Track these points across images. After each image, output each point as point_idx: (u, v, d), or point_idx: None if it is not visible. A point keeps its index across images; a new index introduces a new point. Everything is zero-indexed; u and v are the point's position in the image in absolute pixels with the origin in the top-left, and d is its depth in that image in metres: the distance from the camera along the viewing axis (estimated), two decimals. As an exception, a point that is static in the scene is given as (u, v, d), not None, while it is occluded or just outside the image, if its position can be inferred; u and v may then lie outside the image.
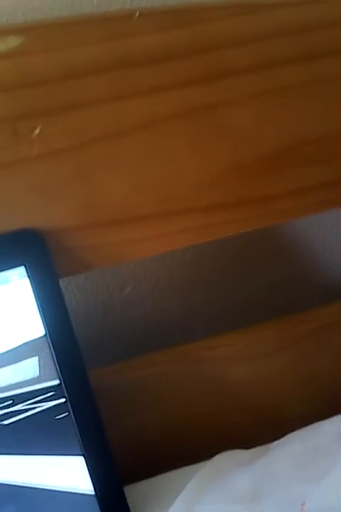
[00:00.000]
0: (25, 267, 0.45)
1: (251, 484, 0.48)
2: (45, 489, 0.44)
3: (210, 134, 0.48)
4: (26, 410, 0.44)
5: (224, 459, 0.51)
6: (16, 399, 0.44)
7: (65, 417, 0.45)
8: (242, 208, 0.50)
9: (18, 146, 0.45)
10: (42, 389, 0.45)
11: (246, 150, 0.49)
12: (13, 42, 0.43)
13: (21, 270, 0.45)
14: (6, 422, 0.44)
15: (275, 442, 0.51)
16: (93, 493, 0.44)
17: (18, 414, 0.44)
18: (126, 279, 0.61)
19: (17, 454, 0.44)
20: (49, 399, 0.45)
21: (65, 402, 0.45)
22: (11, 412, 0.44)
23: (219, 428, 0.55)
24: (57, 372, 0.45)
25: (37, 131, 0.45)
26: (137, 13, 0.44)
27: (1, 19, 0.47)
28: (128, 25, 0.45)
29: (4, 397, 0.44)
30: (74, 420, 0.44)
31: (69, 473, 0.44)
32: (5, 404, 0.44)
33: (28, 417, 0.44)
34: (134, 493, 0.46)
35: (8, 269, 0.45)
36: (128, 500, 0.45)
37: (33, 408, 0.44)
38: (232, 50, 0.48)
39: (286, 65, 0.49)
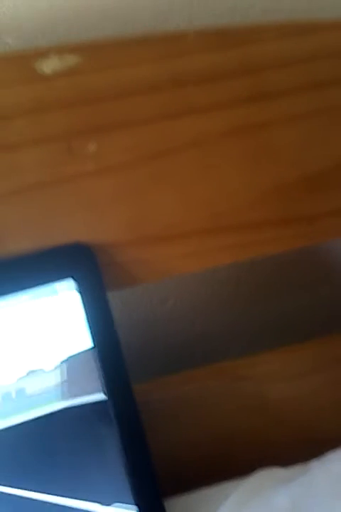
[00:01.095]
0: (74, 279, 0.46)
1: (291, 502, 0.47)
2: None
3: (257, 152, 0.49)
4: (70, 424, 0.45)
5: (264, 476, 0.51)
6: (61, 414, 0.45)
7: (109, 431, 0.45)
8: (287, 227, 0.51)
9: (72, 163, 0.46)
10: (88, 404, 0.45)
11: (291, 169, 0.50)
12: (70, 60, 0.44)
13: (70, 283, 0.46)
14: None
15: (315, 461, 0.51)
16: (135, 506, 0.44)
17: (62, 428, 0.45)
18: (168, 292, 0.61)
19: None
20: (94, 412, 0.45)
21: (109, 416, 0.45)
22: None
23: (259, 445, 0.55)
24: (102, 386, 0.45)
25: (91, 148, 0.46)
26: (192, 34, 0.45)
27: (57, 37, 0.49)
28: (180, 46, 0.46)
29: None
30: (119, 434, 0.45)
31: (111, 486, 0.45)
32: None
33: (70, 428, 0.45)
34: (173, 507, 0.46)
35: (57, 280, 0.46)
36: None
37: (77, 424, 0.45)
38: (281, 71, 0.48)
39: (333, 87, 0.50)
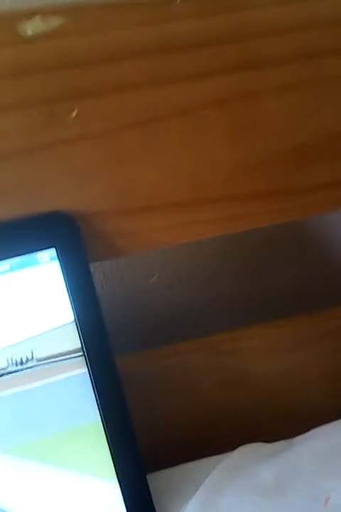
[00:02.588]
0: (56, 249, 0.45)
1: (274, 478, 0.48)
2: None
3: (246, 123, 0.48)
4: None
5: (247, 451, 0.51)
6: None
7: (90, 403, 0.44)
8: (275, 199, 0.50)
9: (54, 128, 0.45)
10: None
11: (281, 141, 0.49)
12: (53, 22, 0.43)
13: (52, 252, 0.45)
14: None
15: (299, 437, 0.51)
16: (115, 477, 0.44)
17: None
18: (152, 267, 0.61)
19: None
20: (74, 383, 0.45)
21: (90, 388, 0.44)
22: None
23: (243, 421, 0.55)
24: (85, 359, 0.45)
25: (74, 113, 0.45)
26: (179, -1, 0.44)
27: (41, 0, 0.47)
28: (168, 10, 0.45)
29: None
30: (100, 407, 0.44)
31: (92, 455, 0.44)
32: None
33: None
34: (156, 481, 0.46)
35: (38, 250, 0.45)
36: (150, 489, 0.45)
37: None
38: (272, 39, 0.47)
39: (326, 57, 0.48)
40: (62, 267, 0.45)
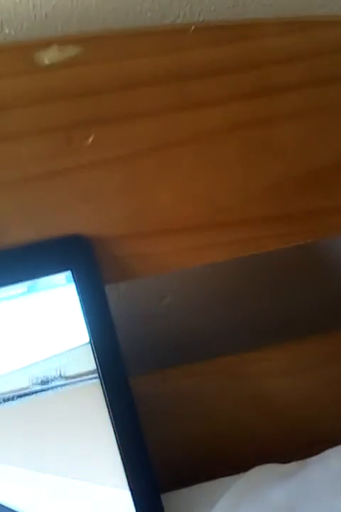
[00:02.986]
0: (72, 271, 0.46)
1: (288, 499, 0.47)
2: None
3: (259, 148, 0.49)
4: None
5: (262, 472, 0.51)
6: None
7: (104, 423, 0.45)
8: (288, 222, 0.50)
9: (71, 154, 0.46)
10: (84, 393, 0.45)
11: (293, 165, 0.50)
12: (70, 52, 0.44)
13: (68, 275, 0.46)
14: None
15: (313, 458, 0.51)
16: (130, 496, 0.44)
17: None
18: (165, 289, 0.61)
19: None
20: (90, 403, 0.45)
21: (106, 406, 0.45)
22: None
23: (257, 441, 0.55)
24: (100, 379, 0.45)
25: (90, 140, 0.46)
26: (192, 28, 0.45)
27: (56, 28, 0.49)
28: (182, 39, 0.46)
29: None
30: (114, 427, 0.45)
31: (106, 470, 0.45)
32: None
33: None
34: (170, 501, 0.46)
35: (55, 273, 0.46)
36: (165, 508, 0.45)
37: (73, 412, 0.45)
38: (283, 67, 0.48)
39: (335, 83, 0.49)
40: (77, 289, 0.46)
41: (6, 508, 0.43)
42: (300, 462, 0.52)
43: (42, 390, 0.45)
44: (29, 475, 0.44)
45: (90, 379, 0.45)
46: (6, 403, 0.44)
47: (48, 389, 0.45)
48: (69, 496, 0.44)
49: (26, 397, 0.44)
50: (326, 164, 0.50)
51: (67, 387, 0.45)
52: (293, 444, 0.55)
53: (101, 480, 0.44)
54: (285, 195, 0.50)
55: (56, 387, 0.45)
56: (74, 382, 0.45)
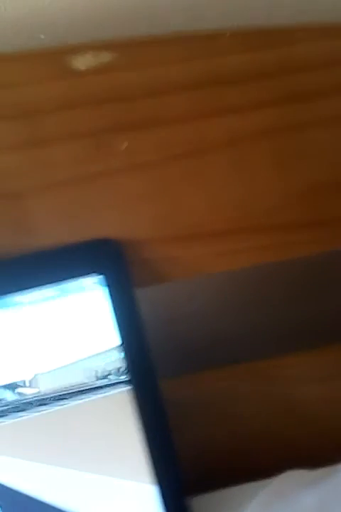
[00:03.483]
0: (103, 275, 0.46)
1: (318, 505, 0.47)
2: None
3: (291, 154, 0.49)
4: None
5: (290, 478, 0.51)
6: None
7: (134, 426, 0.45)
8: (319, 229, 0.50)
9: (102, 159, 0.46)
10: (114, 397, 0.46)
11: (325, 172, 0.49)
12: (104, 57, 0.45)
13: (98, 278, 0.46)
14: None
15: (342, 464, 0.51)
16: (157, 503, 0.44)
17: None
18: (194, 292, 0.61)
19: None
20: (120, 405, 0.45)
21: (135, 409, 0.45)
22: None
23: (286, 447, 0.55)
24: (130, 382, 0.45)
25: (122, 145, 0.46)
26: (227, 34, 0.45)
27: (90, 34, 0.49)
28: (216, 45, 0.46)
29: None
30: (144, 430, 0.45)
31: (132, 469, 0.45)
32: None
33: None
34: (199, 505, 0.46)
35: (85, 276, 0.46)
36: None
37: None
38: (318, 72, 0.48)
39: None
40: (108, 293, 0.46)
41: (44, 503, 0.44)
42: (330, 468, 0.51)
43: (68, 392, 0.45)
44: (66, 473, 0.44)
45: (121, 382, 0.45)
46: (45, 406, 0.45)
47: (81, 392, 0.45)
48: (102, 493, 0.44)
49: (60, 400, 0.45)
50: (359, 171, 0.50)
51: (98, 391, 0.45)
52: (323, 449, 0.55)
53: (130, 478, 0.45)
54: (318, 201, 0.50)
55: (89, 390, 0.45)
56: (105, 386, 0.45)
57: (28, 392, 0.45)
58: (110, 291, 0.46)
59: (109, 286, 0.46)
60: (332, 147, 0.49)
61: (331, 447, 0.54)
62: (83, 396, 0.45)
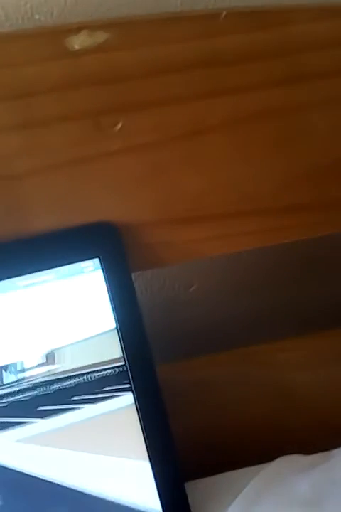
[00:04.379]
0: (100, 259, 0.46)
1: (312, 490, 0.47)
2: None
3: (291, 135, 0.48)
4: (91, 400, 0.45)
5: (285, 462, 0.51)
6: (81, 389, 0.45)
7: (130, 410, 0.45)
8: (319, 211, 0.50)
9: (99, 141, 0.46)
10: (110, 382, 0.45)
11: (326, 153, 0.49)
12: (100, 37, 0.44)
13: (96, 262, 0.46)
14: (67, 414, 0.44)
15: (337, 449, 0.51)
16: (154, 486, 0.44)
17: (83, 403, 0.45)
18: (191, 277, 0.61)
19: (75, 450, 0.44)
20: (114, 391, 0.45)
21: (131, 397, 0.45)
22: (75, 401, 0.45)
23: (281, 432, 0.55)
24: (126, 367, 0.45)
25: (119, 126, 0.46)
26: (224, 13, 0.44)
27: (87, 14, 0.48)
28: (214, 25, 0.46)
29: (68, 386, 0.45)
30: (140, 414, 0.45)
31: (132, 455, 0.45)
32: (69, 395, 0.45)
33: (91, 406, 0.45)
34: (194, 490, 0.46)
35: (83, 260, 0.46)
36: (188, 497, 0.45)
37: (98, 399, 0.45)
38: (316, 53, 0.47)
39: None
40: (105, 276, 0.46)
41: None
42: (324, 453, 0.51)
43: (61, 373, 0.45)
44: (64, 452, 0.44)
45: (116, 366, 0.45)
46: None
47: (68, 372, 0.45)
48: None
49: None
50: (357, 153, 0.50)
51: (93, 374, 0.45)
52: (317, 435, 0.55)
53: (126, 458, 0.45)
54: (316, 183, 0.49)
55: (78, 371, 0.45)
56: (100, 369, 0.45)
57: (26, 375, 0.44)
58: (107, 275, 0.46)
59: (105, 269, 0.46)
60: (330, 129, 0.49)
61: (325, 433, 0.55)
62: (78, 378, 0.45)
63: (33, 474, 0.43)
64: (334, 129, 0.49)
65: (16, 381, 0.44)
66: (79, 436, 0.45)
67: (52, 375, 0.45)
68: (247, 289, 0.63)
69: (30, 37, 0.45)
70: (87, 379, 0.45)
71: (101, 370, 0.45)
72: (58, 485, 0.44)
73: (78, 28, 0.44)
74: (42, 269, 0.45)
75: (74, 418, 0.44)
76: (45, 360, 0.45)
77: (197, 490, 0.47)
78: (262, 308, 0.63)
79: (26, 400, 0.44)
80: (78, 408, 0.45)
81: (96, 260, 0.46)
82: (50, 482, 0.44)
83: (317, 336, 0.56)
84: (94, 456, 0.44)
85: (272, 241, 0.50)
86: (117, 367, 0.45)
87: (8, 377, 0.44)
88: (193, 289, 0.61)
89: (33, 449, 0.44)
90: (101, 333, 0.46)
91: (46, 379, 0.45)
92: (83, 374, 0.45)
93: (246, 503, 0.47)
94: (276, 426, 0.55)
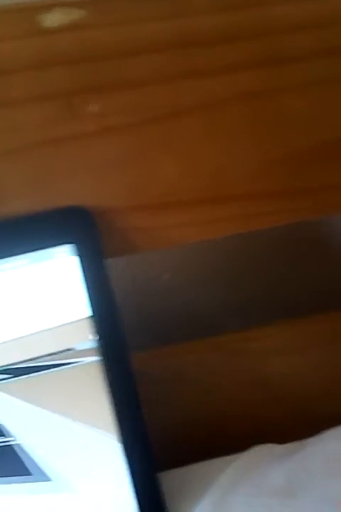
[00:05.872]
0: (73, 243, 0.45)
1: (286, 479, 0.47)
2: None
3: (268, 119, 0.48)
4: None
5: (260, 452, 0.51)
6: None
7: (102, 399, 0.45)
8: (293, 198, 0.49)
9: (72, 122, 0.44)
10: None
11: (302, 138, 0.48)
12: (73, 15, 0.43)
13: (69, 247, 0.45)
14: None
15: (312, 439, 0.51)
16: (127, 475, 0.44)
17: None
18: (164, 265, 0.60)
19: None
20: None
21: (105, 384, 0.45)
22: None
23: (255, 421, 0.55)
24: (100, 353, 0.45)
25: (93, 107, 0.44)
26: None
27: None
28: (190, 4, 0.44)
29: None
30: (113, 402, 0.44)
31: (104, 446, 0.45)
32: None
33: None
34: (168, 480, 0.46)
35: (56, 245, 0.45)
36: (162, 488, 0.45)
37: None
38: (294, 35, 0.46)
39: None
40: (79, 262, 0.45)
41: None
42: (298, 443, 0.52)
43: (34, 362, 0.44)
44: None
45: (91, 353, 0.45)
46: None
47: (41, 361, 0.44)
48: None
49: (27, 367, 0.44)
50: (334, 138, 0.49)
51: (67, 360, 0.44)
52: (292, 424, 0.55)
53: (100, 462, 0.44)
54: (295, 168, 0.49)
55: (52, 359, 0.44)
56: (74, 356, 0.45)
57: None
58: (81, 261, 0.45)
59: (79, 255, 0.45)
60: (308, 113, 0.48)
61: (299, 422, 0.55)
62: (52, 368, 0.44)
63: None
64: (313, 113, 0.48)
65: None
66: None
67: (24, 362, 0.44)
68: (223, 276, 0.62)
69: (2, 13, 0.43)
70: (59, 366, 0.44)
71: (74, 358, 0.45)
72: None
73: (52, 5, 0.43)
74: (14, 255, 0.44)
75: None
76: (17, 346, 0.44)
77: (170, 480, 0.47)
78: (238, 295, 0.63)
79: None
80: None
81: (70, 245, 0.45)
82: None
83: (293, 323, 0.56)
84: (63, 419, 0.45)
85: (251, 227, 0.50)
86: (91, 354, 0.44)
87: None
88: (167, 276, 0.60)
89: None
90: (75, 320, 0.45)
91: (18, 366, 0.44)
92: (56, 363, 0.44)
93: (219, 493, 0.47)
94: (251, 415, 0.55)
